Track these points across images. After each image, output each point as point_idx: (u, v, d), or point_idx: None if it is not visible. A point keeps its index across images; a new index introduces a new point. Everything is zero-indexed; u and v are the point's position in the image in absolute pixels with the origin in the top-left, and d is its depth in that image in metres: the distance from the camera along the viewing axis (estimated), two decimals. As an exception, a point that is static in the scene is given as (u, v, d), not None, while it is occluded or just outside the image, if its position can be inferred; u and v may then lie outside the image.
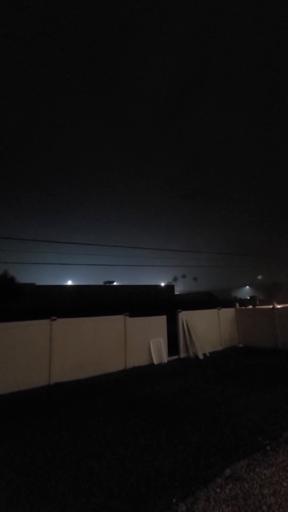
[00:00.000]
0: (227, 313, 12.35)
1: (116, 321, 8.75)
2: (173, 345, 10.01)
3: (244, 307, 14.15)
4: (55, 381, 7.12)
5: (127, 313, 9.01)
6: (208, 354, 10.30)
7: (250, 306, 15.42)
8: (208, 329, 11.22)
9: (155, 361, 9.10)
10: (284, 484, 2.89)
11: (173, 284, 64.89)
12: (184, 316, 10.48)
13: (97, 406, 5.43)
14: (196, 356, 9.93)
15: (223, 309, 12.32)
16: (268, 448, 3.62)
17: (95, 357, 7.99)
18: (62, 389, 6.66)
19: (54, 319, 7.49)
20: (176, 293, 56.36)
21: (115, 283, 57.31)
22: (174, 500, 2.73)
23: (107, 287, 45.92)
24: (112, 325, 8.61)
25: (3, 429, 4.55)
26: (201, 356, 9.89)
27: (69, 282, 57.50)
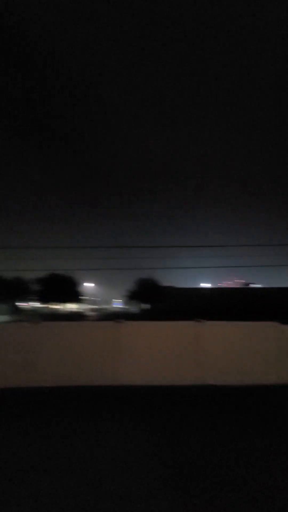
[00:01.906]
0: None
1: (267, 328, 7.68)
2: None
3: None
4: (208, 383, 7.06)
5: (281, 321, 7.71)
6: None
7: None
8: None
9: None
10: None
11: None
12: None
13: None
14: None
15: None
16: None
17: (244, 367, 7.32)
18: (217, 391, 6.52)
19: (199, 321, 7.49)
20: None
21: (258, 286, 52.21)
22: None
23: (249, 290, 42.61)
24: (261, 333, 7.60)
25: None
26: None
27: (209, 285, 57.86)
